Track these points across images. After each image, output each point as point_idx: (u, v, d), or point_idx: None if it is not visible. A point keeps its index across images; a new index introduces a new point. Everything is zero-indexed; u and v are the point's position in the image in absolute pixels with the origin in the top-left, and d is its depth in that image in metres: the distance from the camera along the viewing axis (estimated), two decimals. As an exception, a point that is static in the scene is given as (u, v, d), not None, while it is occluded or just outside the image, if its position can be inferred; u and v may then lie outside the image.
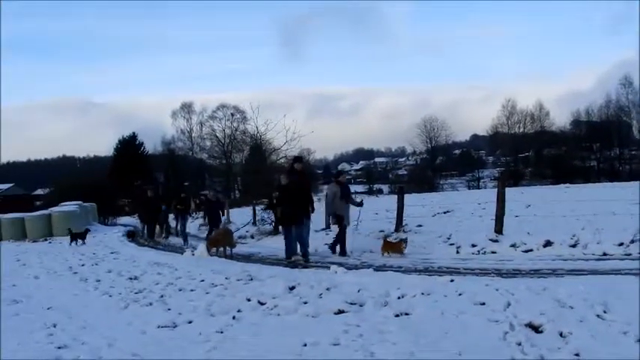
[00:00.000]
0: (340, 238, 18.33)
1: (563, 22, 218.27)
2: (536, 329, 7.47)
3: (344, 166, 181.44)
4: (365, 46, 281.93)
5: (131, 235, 32.57)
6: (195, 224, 34.24)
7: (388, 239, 17.83)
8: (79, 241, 27.56)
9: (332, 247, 18.67)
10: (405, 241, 17.27)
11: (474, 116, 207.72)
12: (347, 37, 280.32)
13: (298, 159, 18.81)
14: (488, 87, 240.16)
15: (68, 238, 28.34)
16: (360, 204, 19.04)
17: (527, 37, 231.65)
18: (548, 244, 15.60)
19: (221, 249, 19.66)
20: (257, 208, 31.99)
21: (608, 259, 13.80)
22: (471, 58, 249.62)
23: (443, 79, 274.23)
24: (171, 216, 32.38)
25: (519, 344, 7.02)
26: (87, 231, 29.46)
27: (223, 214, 24.96)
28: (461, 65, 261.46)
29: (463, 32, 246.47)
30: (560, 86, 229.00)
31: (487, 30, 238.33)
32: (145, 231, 30.80)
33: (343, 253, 18.17)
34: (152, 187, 34.37)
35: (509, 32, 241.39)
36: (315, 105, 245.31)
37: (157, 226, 31.25)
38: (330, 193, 18.59)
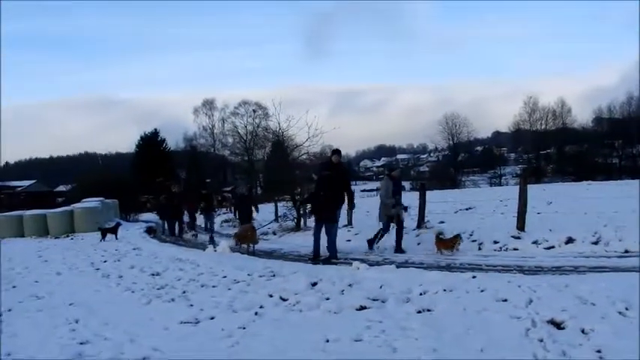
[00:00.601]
0: (379, 234, 18.10)
1: (586, 18, 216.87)
2: (558, 326, 7.47)
3: (366, 162, 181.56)
4: (388, 43, 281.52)
5: (152, 232, 32.63)
6: (216, 221, 34.22)
7: (441, 236, 16.89)
8: (110, 236, 27.67)
9: (398, 247, 17.73)
10: (459, 237, 16.61)
11: (496, 113, 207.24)
12: (370, 34, 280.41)
13: (336, 151, 17.73)
14: (510, 84, 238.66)
15: (95, 234, 28.54)
16: (405, 209, 18.63)
17: (549, 33, 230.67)
18: (570, 241, 15.56)
19: (244, 245, 19.64)
20: (279, 204, 32.07)
21: (630, 257, 13.69)
22: (493, 55, 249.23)
23: (465, 76, 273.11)
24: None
25: (541, 341, 7.02)
26: (118, 225, 29.51)
27: (256, 210, 24.67)
28: (484, 62, 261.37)
29: (486, 29, 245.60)
30: (583, 83, 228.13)
31: (510, 27, 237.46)
32: (167, 227, 30.69)
33: (370, 246, 18.15)
34: (176, 182, 33.84)
35: (532, 29, 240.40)
36: (338, 102, 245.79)
37: (182, 224, 30.66)
38: (384, 188, 18.03)
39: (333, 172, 17.18)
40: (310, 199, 18.14)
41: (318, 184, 17.38)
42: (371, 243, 18.23)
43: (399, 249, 17.61)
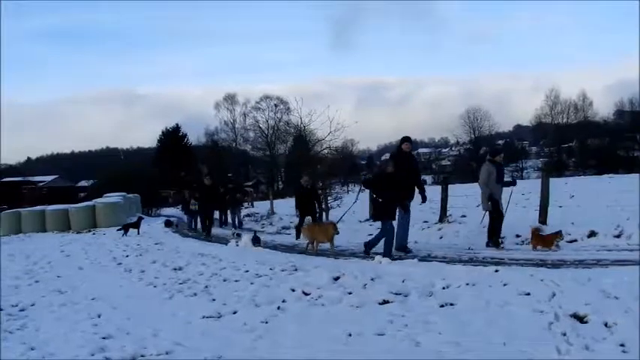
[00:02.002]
0: (495, 226, 16.16)
1: (612, 9, 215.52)
2: (581, 319, 7.45)
3: (387, 156, 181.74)
4: (415, 36, 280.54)
5: (169, 225, 32.60)
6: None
7: (539, 232, 15.31)
8: (132, 231, 27.74)
9: (492, 240, 16.07)
10: (559, 233, 14.93)
11: (517, 106, 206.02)
12: (397, 27, 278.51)
13: (407, 139, 16.68)
14: (535, 77, 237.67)
15: (117, 229, 28.67)
16: (513, 183, 17.33)
17: (578, 24, 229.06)
18: (592, 234, 15.46)
19: (315, 243, 17.65)
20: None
21: (654, 250, 13.66)
22: (519, 49, 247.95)
23: (491, 69, 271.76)
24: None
25: (564, 334, 7.01)
26: (140, 220, 29.62)
27: (319, 204, 22.90)
28: (509, 55, 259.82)
29: (513, 22, 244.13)
30: (610, 75, 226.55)
31: (537, 20, 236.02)
32: (198, 224, 30.20)
33: (497, 243, 16.02)
34: (209, 175, 32.44)
35: (559, 21, 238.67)
36: (362, 95, 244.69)
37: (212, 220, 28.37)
38: (485, 174, 16.11)
39: (406, 162, 16.22)
40: (386, 191, 15.40)
41: (388, 177, 15.29)
42: (495, 241, 16.17)
43: (493, 239, 16.10)
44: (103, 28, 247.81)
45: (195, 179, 37.92)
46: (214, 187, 28.80)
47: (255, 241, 19.34)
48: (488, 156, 17.58)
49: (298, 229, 21.33)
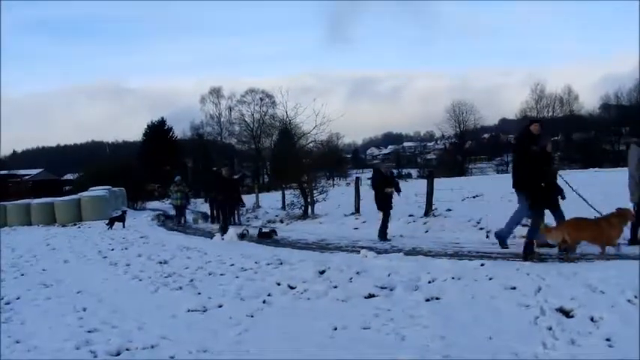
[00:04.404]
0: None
1: (603, 6, 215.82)
2: (567, 314, 7.47)
3: (373, 150, 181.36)
4: (406, 30, 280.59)
5: (161, 218, 32.56)
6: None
7: None
8: (118, 224, 27.85)
9: (634, 237, 13.40)
10: None
11: (503, 100, 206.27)
12: (389, 21, 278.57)
13: (536, 119, 14.02)
14: (525, 71, 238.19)
15: (102, 222, 28.67)
16: None
17: (571, 19, 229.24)
18: (578, 228, 15.41)
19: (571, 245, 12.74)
20: (286, 192, 31.82)
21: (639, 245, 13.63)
22: (510, 43, 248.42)
23: (479, 63, 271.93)
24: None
25: (550, 329, 7.02)
26: (124, 213, 29.83)
27: (398, 192, 18.21)
28: (499, 50, 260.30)
29: (505, 17, 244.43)
30: (599, 71, 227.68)
31: (529, 15, 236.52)
32: (209, 217, 29.53)
33: (635, 240, 13.37)
34: (227, 165, 30.13)
35: (549, 17, 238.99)
36: (352, 89, 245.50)
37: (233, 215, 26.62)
38: (635, 160, 13.61)
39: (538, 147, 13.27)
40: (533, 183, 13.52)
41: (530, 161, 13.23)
42: (636, 236, 13.51)
43: (635, 239, 13.41)
44: (90, 21, 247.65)
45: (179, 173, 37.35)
46: (232, 178, 27.44)
47: (242, 235, 19.14)
48: (634, 139, 14.47)
49: (384, 227, 17.81)
